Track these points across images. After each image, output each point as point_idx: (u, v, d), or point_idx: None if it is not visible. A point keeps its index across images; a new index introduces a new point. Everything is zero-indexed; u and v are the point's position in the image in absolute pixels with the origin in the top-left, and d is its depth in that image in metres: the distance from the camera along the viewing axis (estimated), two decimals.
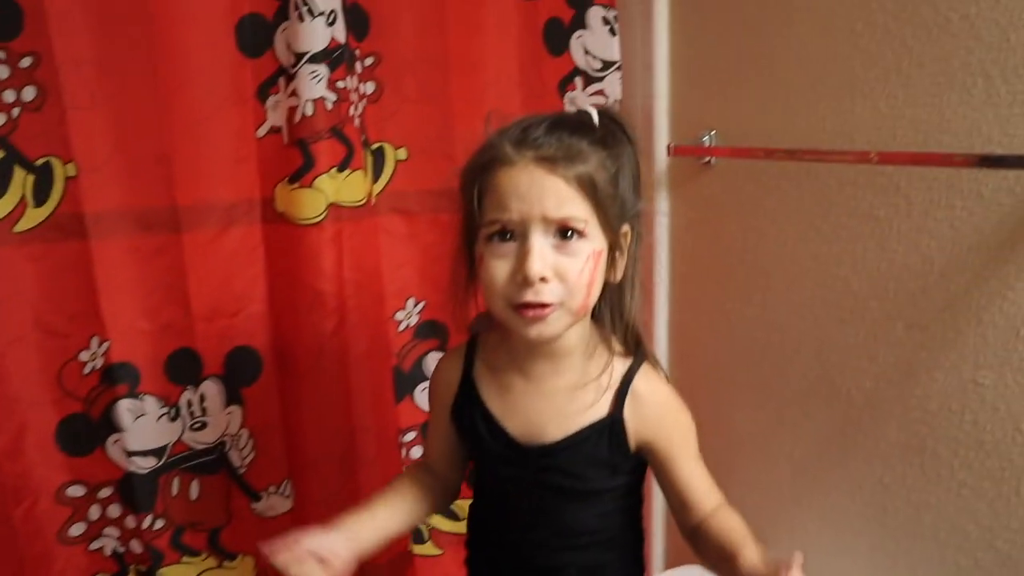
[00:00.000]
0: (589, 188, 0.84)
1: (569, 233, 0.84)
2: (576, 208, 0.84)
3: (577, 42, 1.49)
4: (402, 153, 1.39)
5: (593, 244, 0.86)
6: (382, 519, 1.00)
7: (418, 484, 1.06)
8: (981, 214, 0.99)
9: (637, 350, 0.97)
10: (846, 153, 1.13)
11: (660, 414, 0.95)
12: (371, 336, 1.37)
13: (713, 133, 1.36)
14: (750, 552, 0.85)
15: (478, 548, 1.10)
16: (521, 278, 0.83)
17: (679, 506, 0.98)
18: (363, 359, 1.36)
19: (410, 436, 1.49)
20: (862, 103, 1.11)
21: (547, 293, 0.84)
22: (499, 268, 0.85)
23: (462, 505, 1.23)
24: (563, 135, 0.85)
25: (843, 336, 1.20)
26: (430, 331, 1.47)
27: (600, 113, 0.91)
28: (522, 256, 0.83)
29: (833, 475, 1.26)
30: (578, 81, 1.50)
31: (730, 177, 1.35)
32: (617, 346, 0.96)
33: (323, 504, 1.39)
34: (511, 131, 0.87)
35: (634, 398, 0.94)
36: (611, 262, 0.89)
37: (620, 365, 0.95)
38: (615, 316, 0.95)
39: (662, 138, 1.45)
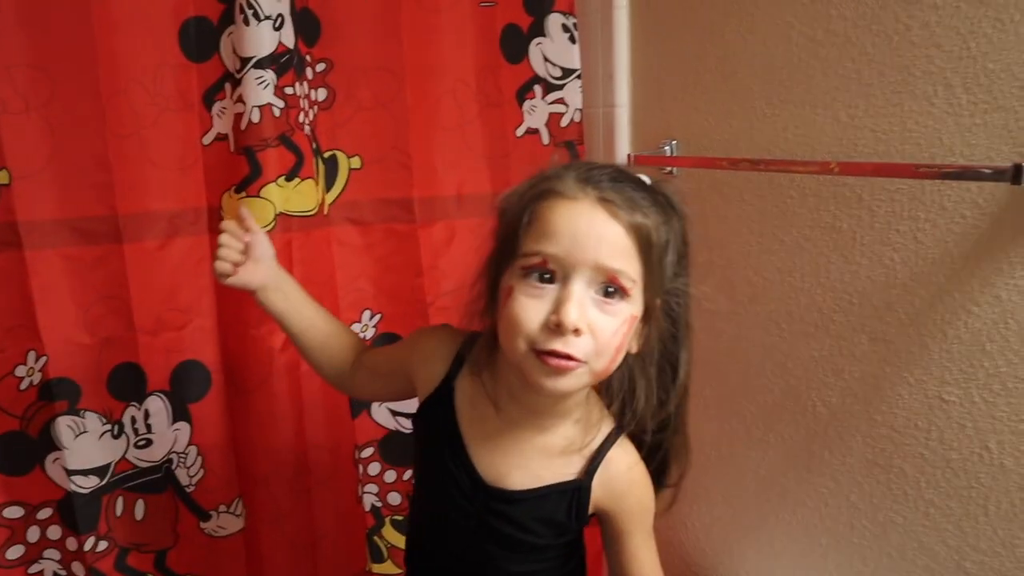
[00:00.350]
0: (645, 245, 0.79)
1: (613, 290, 0.79)
2: (629, 264, 0.79)
3: (536, 49, 1.45)
4: (356, 162, 1.34)
5: (632, 308, 0.81)
6: (304, 309, 1.05)
7: (348, 344, 1.07)
8: (944, 226, 0.96)
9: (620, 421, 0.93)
10: (808, 163, 1.10)
11: (626, 490, 0.92)
12: None
13: (675, 143, 1.33)
14: None
15: (413, 569, 1.07)
16: (555, 324, 0.76)
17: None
18: (316, 374, 1.32)
19: (368, 452, 1.45)
20: (823, 112, 1.08)
21: (576, 346, 0.77)
22: (531, 308, 0.78)
23: None
24: (627, 186, 0.80)
25: (808, 350, 1.17)
26: (388, 343, 1.42)
27: (653, 182, 0.86)
28: (560, 301, 0.77)
29: (799, 491, 1.22)
30: (537, 89, 1.47)
31: (692, 187, 1.32)
32: (604, 414, 0.93)
33: (276, 523, 1.35)
34: (574, 166, 0.82)
35: (606, 468, 0.91)
36: (640, 332, 0.85)
37: (603, 431, 0.92)
38: (620, 391, 0.90)
39: (623, 147, 1.42)
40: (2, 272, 1.14)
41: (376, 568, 1.49)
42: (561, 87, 1.47)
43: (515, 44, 1.44)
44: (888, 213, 1.02)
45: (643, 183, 0.84)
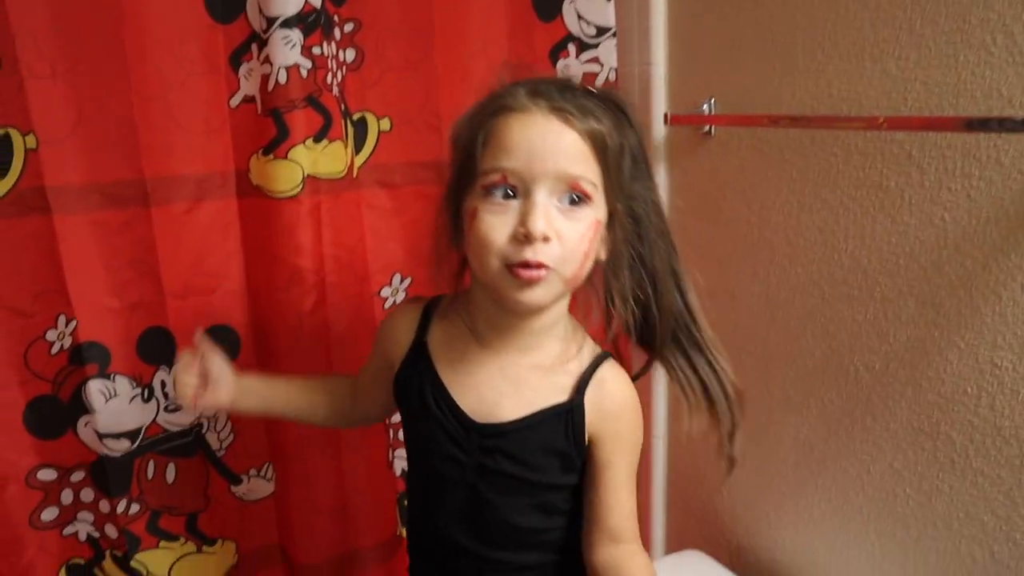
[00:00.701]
0: (601, 149, 0.80)
1: (576, 198, 0.80)
2: (588, 169, 0.79)
3: (570, 7, 1.41)
4: (385, 123, 1.31)
5: (596, 212, 0.81)
6: (277, 394, 1.07)
7: (333, 389, 1.08)
8: (1000, 183, 0.92)
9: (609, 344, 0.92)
10: (853, 119, 1.06)
11: (618, 412, 0.90)
12: (355, 313, 1.31)
13: (713, 101, 1.29)
14: None
15: (414, 550, 1.05)
16: (523, 234, 0.77)
17: (592, 520, 0.92)
18: (347, 337, 1.30)
19: (398, 417, 1.43)
20: (871, 66, 1.04)
21: (545, 253, 0.78)
22: (497, 226, 0.79)
23: None
24: (577, 94, 0.81)
25: (852, 313, 1.13)
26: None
27: (600, 90, 0.85)
28: (526, 212, 0.78)
29: (840, 459, 1.19)
30: (571, 48, 1.42)
31: (731, 147, 1.28)
32: (588, 338, 0.92)
33: (306, 487, 1.34)
34: (523, 82, 0.82)
35: (597, 387, 0.89)
36: (606, 237, 0.85)
37: (588, 352, 0.91)
38: (601, 299, 0.89)
39: (659, 107, 1.38)
40: (31, 237, 1.13)
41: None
42: (595, 46, 1.43)
43: (548, 2, 1.39)
44: (939, 170, 0.98)
45: (591, 91, 0.84)
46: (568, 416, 0.88)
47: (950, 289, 0.99)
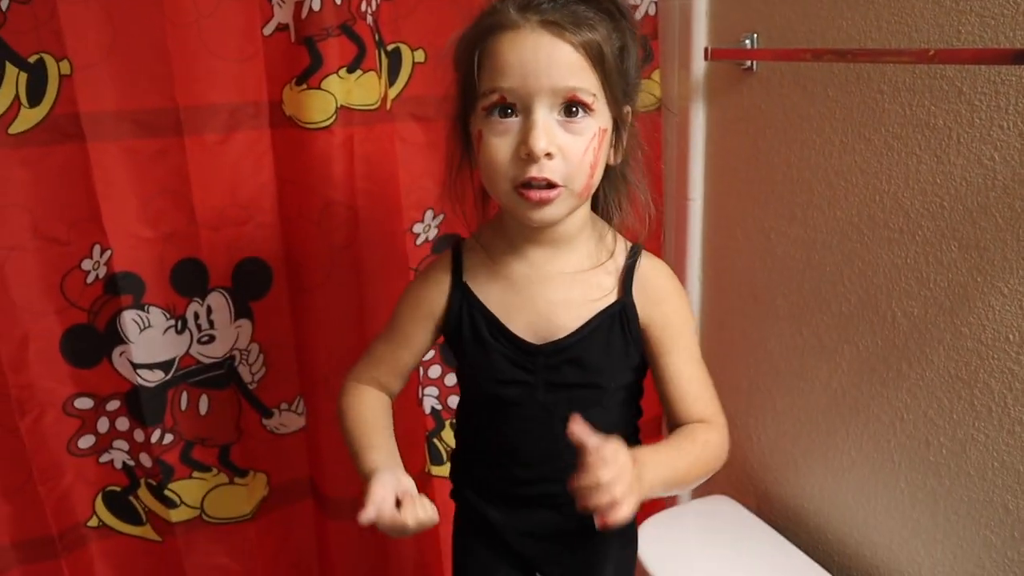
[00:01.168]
0: (598, 58, 0.79)
1: (575, 109, 0.79)
2: (585, 79, 0.78)
3: None
4: (420, 55, 1.29)
5: (599, 121, 0.81)
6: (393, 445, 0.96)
7: (385, 404, 1.00)
8: None
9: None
10: (902, 52, 1.02)
11: (664, 296, 0.91)
12: (387, 249, 1.31)
13: (755, 36, 1.25)
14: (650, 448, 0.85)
15: (466, 478, 1.05)
16: (525, 153, 0.78)
17: (668, 405, 0.93)
18: (378, 273, 1.30)
19: (429, 355, 1.42)
20: None
21: (551, 170, 0.79)
22: (501, 147, 0.80)
23: None
24: (568, 2, 0.79)
25: (891, 257, 1.10)
26: (450, 244, 1.40)
27: None
28: (526, 131, 0.78)
29: (873, 406, 1.18)
30: None
31: (772, 83, 1.24)
32: (617, 234, 0.93)
33: (337, 422, 1.34)
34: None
35: (640, 279, 0.90)
36: (614, 144, 0.85)
37: (622, 248, 0.92)
38: (617, 202, 0.92)
39: (700, 41, 1.34)
40: (66, 165, 1.13)
41: (435, 470, 1.49)
42: None
43: None
44: (991, 107, 0.94)
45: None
46: (621, 314, 0.89)
47: (996, 232, 0.96)
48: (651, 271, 0.91)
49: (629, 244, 0.93)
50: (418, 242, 1.37)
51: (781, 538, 1.31)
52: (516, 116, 0.79)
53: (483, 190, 0.93)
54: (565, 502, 0.88)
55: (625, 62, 0.82)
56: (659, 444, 0.88)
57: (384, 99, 1.25)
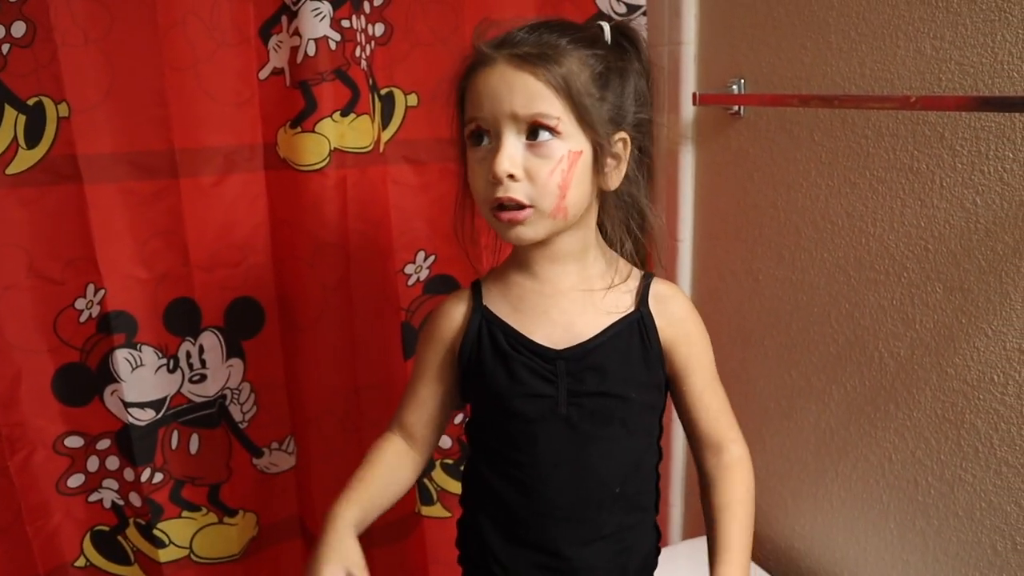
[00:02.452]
0: (562, 84, 0.82)
1: (540, 132, 0.82)
2: (547, 105, 0.81)
3: None
4: (412, 99, 1.32)
5: (568, 144, 0.83)
6: (374, 502, 0.96)
7: (403, 458, 1.00)
8: None
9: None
10: (885, 99, 1.04)
11: (683, 316, 0.94)
12: (378, 289, 1.32)
13: (742, 81, 1.28)
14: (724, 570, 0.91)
15: (477, 508, 1.02)
16: (492, 176, 0.82)
17: (690, 434, 0.98)
18: (370, 313, 1.31)
19: None
20: (905, 45, 1.02)
21: (516, 190, 0.83)
22: (479, 172, 0.85)
23: None
24: (543, 34, 0.83)
25: (877, 298, 1.12)
26: (441, 286, 1.41)
27: (613, 27, 0.89)
28: (492, 154, 0.82)
29: (861, 446, 1.18)
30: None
31: (760, 128, 1.26)
32: (627, 264, 0.96)
33: (327, 462, 1.35)
34: (496, 36, 0.86)
35: (657, 297, 0.93)
36: (600, 168, 0.87)
37: (634, 274, 0.95)
38: (627, 229, 0.94)
39: (688, 86, 1.36)
40: (63, 205, 1.15)
41: (425, 510, 1.49)
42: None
43: None
44: (972, 152, 0.96)
45: (564, 24, 0.86)
46: (640, 323, 0.91)
47: (979, 274, 0.98)
48: (667, 291, 0.95)
49: (641, 272, 0.96)
50: (410, 283, 1.39)
51: None
52: (489, 143, 0.84)
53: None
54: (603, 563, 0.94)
55: (606, 87, 0.85)
56: (725, 540, 0.93)
57: (377, 142, 1.27)
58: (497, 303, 0.94)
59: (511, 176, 0.82)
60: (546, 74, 0.81)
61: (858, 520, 1.21)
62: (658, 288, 0.94)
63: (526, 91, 0.81)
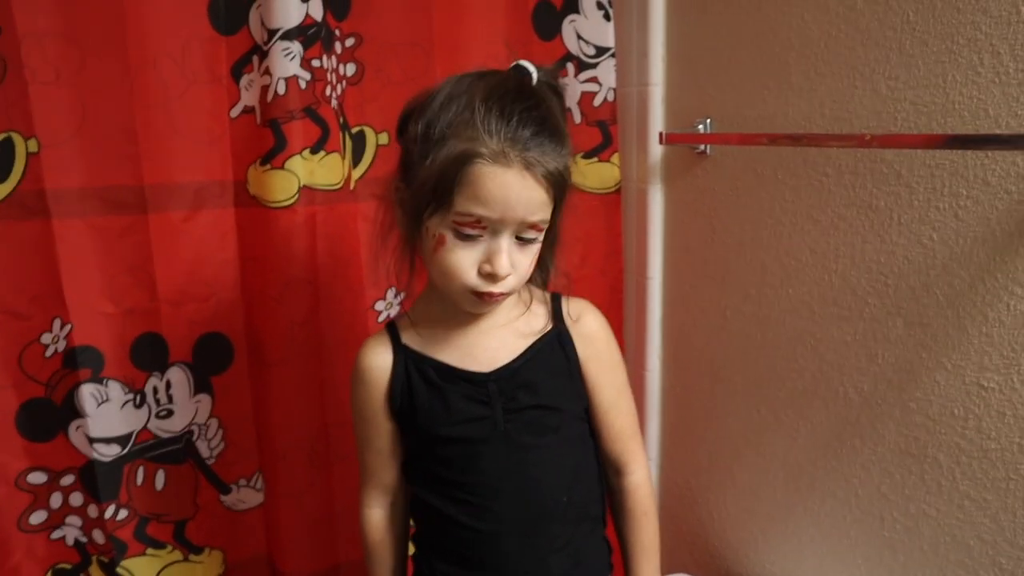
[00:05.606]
0: (559, 187, 0.88)
1: (532, 234, 0.89)
2: (546, 211, 0.88)
3: (569, 26, 1.43)
4: (384, 138, 1.33)
5: (542, 235, 0.91)
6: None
7: (394, 520, 1.09)
8: (987, 203, 0.92)
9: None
10: (844, 137, 1.06)
11: (592, 333, 1.01)
12: (347, 326, 1.32)
13: (708, 121, 1.30)
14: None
15: (428, 542, 1.05)
16: (487, 273, 0.87)
17: (598, 436, 1.04)
18: (340, 349, 1.31)
19: None
20: (862, 85, 1.04)
21: (505, 284, 0.89)
22: (465, 258, 0.87)
23: None
24: (543, 139, 0.86)
25: (841, 334, 1.13)
26: None
27: (538, 71, 0.93)
28: (493, 253, 0.87)
29: (829, 481, 1.18)
30: (570, 67, 1.44)
31: (725, 166, 1.28)
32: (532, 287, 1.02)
33: (295, 498, 1.34)
34: (499, 125, 0.84)
35: (570, 315, 1.00)
36: None
37: (541, 294, 1.03)
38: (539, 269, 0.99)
39: (656, 126, 1.39)
40: (30, 240, 1.14)
41: None
42: (594, 65, 1.44)
43: (548, 21, 1.41)
44: (928, 189, 0.98)
45: (548, 125, 0.87)
46: (558, 338, 0.98)
47: (938, 309, 0.99)
48: (578, 308, 1.01)
49: (547, 292, 1.03)
50: (380, 319, 1.39)
51: None
52: (482, 236, 0.86)
53: (412, 263, 0.96)
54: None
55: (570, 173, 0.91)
56: (637, 559, 1.06)
57: (348, 179, 1.28)
58: (419, 341, 0.99)
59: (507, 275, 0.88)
60: (553, 189, 0.87)
61: (827, 557, 1.21)
62: (569, 305, 1.01)
63: (539, 202, 0.86)
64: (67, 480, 1.25)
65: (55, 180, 1.14)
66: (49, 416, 1.22)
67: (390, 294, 1.38)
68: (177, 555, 1.33)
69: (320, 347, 1.29)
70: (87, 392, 1.20)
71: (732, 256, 1.29)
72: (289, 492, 1.33)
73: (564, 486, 0.98)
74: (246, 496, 1.35)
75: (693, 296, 1.40)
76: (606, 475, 1.07)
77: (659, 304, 1.47)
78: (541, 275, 1.00)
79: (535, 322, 0.99)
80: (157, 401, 1.26)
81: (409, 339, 0.99)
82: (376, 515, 1.07)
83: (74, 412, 1.21)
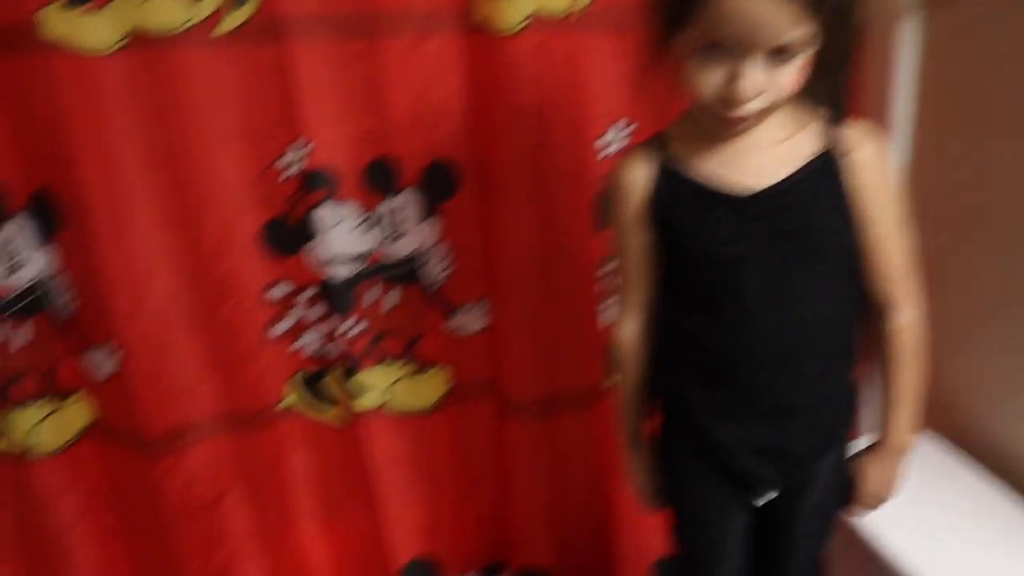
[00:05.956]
0: (816, 6, 0.76)
1: (784, 55, 0.79)
2: (799, 31, 0.77)
3: None
4: None
5: (805, 53, 0.80)
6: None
7: (643, 342, 1.05)
8: None
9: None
10: None
11: (872, 156, 0.91)
12: (574, 156, 1.29)
13: None
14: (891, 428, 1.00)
15: (674, 360, 1.03)
16: (730, 94, 0.80)
17: (868, 276, 0.95)
18: (564, 179, 1.29)
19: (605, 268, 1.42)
20: None
21: (752, 106, 0.81)
22: (707, 80, 0.81)
23: None
24: None
25: None
26: None
27: None
28: (733, 76, 0.79)
29: None
30: None
31: None
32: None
33: (520, 327, 1.38)
34: None
35: (846, 139, 0.90)
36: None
37: (822, 116, 0.92)
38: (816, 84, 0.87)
39: None
40: (268, 66, 1.17)
41: (609, 383, 1.49)
42: None
43: None
44: None
45: None
46: (830, 164, 0.90)
47: None
48: (856, 134, 0.91)
49: (828, 113, 0.92)
50: (609, 151, 1.33)
51: (992, 479, 1.24)
52: (727, 55, 0.79)
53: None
54: (803, 408, 0.96)
55: None
56: (893, 404, 0.99)
57: (574, 8, 1.21)
58: (680, 157, 0.92)
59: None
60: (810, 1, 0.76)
61: None
62: (847, 131, 0.91)
63: (780, 21, 0.76)
64: (307, 295, 1.33)
65: (291, 5, 1.15)
66: (288, 235, 1.29)
67: (618, 125, 1.32)
68: (409, 368, 1.42)
69: (547, 177, 1.27)
70: (323, 213, 1.26)
71: (1003, 97, 1.12)
72: (514, 320, 1.36)
73: (824, 319, 0.93)
74: (471, 320, 1.40)
75: (949, 145, 1.24)
76: (872, 315, 0.98)
77: (909, 152, 1.32)
78: (829, 95, 0.90)
79: (806, 144, 0.90)
80: (389, 224, 1.30)
81: (670, 154, 0.93)
82: (629, 330, 1.04)
83: (311, 232, 1.28)
